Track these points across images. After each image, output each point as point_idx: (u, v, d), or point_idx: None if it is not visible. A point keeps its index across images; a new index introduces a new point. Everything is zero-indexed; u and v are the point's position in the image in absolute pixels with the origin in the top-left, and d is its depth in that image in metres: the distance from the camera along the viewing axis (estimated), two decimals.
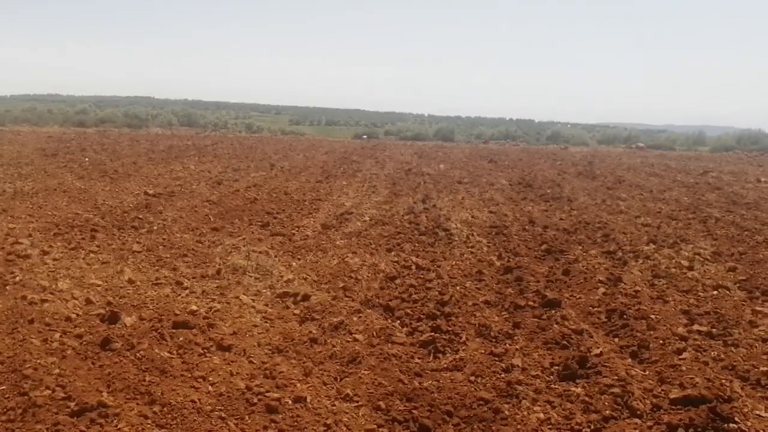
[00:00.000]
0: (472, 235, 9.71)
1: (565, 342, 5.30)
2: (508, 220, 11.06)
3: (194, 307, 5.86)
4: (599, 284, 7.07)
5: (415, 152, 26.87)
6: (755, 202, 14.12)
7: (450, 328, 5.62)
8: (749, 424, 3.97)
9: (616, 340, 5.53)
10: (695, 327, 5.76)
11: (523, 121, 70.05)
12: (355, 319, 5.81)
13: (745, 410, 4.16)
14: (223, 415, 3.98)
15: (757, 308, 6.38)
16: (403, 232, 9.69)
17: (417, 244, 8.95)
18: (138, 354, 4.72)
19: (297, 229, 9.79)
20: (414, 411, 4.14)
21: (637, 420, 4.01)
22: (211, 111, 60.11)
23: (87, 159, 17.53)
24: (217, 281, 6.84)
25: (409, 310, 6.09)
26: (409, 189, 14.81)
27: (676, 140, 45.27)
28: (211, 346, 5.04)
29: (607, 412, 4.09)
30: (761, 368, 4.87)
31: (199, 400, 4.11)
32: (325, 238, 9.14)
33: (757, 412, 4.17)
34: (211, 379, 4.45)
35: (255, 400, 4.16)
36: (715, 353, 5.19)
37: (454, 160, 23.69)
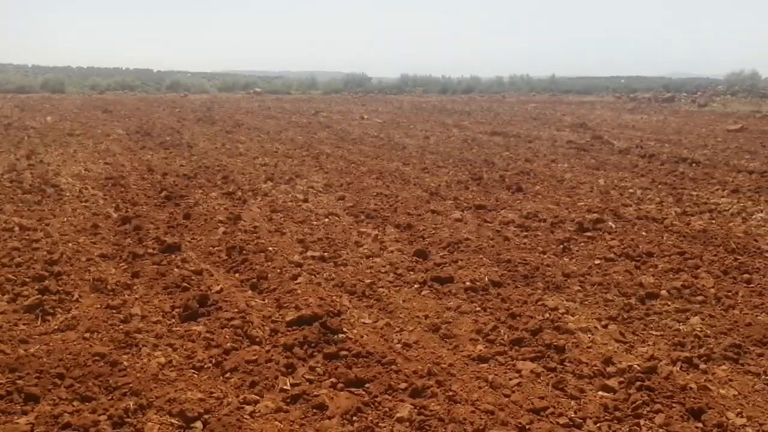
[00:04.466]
0: (86, 188, 9.04)
1: (185, 284, 5.23)
2: (125, 171, 10.52)
3: None
4: (219, 224, 7.11)
5: (16, 105, 24.08)
6: (360, 138, 15.54)
7: (61, 288, 5.15)
8: (355, 331, 4.36)
9: (237, 275, 5.62)
10: (309, 253, 6.13)
11: (141, 70, 67.34)
12: None
13: (352, 320, 4.57)
14: None
15: (362, 230, 7.03)
16: (3, 193, 8.61)
17: (21, 204, 8.03)
18: None
19: None
20: (18, 381, 3.70)
21: (256, 347, 4.12)
22: None
23: None
24: None
25: (11, 276, 5.42)
26: (10, 145, 13.21)
27: (291, 85, 47.80)
28: None
29: (228, 344, 4.14)
30: (365, 281, 5.39)
31: None
32: None
33: (363, 320, 4.60)
34: None
35: None
36: (327, 274, 5.60)
37: (64, 111, 21.79)
